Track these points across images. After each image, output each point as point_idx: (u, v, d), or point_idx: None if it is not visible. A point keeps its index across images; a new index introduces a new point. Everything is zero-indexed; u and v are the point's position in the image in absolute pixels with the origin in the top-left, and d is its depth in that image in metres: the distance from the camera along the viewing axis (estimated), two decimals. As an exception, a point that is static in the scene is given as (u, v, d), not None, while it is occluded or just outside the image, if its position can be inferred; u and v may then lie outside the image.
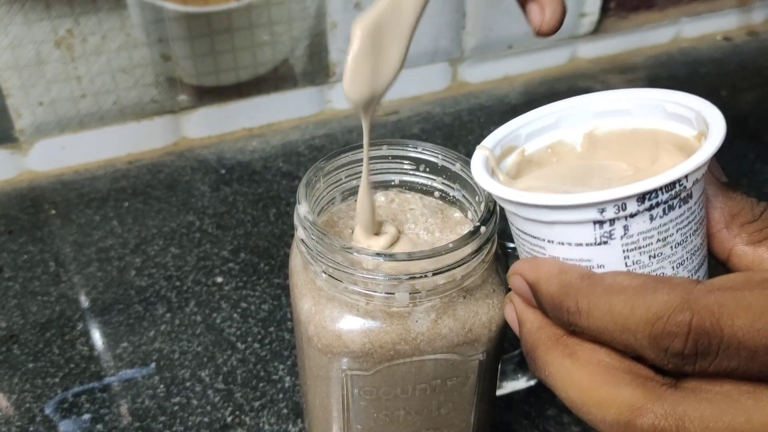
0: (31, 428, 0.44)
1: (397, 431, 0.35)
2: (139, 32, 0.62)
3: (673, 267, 0.26)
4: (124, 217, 0.60)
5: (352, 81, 0.31)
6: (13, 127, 0.62)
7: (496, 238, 0.33)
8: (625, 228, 0.25)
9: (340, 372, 0.33)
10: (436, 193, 0.37)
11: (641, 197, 0.24)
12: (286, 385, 0.47)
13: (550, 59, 0.80)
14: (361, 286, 0.31)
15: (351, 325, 0.32)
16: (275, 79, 0.69)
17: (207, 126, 0.69)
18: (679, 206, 0.25)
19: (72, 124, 0.64)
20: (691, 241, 0.26)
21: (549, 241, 0.26)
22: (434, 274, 0.30)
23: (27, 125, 0.63)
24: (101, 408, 0.45)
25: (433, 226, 0.36)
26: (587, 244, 0.25)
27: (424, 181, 0.37)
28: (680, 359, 0.23)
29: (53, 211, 0.61)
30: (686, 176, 0.24)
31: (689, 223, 0.26)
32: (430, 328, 0.32)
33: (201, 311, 0.52)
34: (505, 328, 0.34)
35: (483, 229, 0.31)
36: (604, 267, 0.26)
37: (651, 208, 0.24)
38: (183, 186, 0.64)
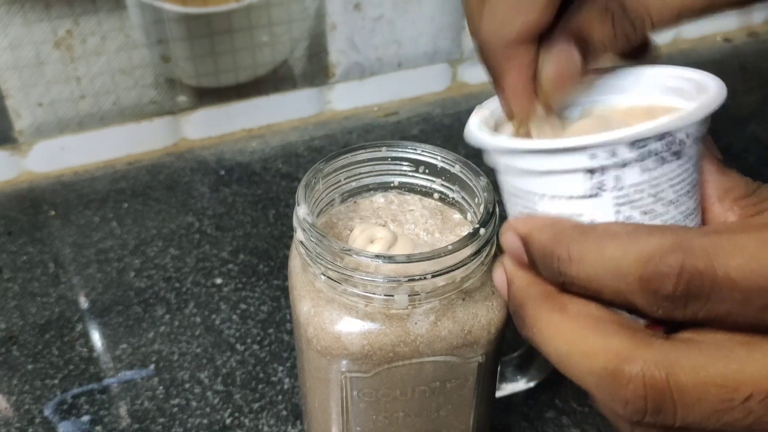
0: (30, 430, 0.44)
1: (397, 433, 0.35)
2: (139, 33, 0.62)
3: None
4: (124, 218, 0.60)
5: None
6: (12, 127, 0.62)
7: (495, 240, 0.33)
8: (617, 179, 0.25)
9: (339, 374, 0.33)
10: (436, 195, 0.37)
11: (632, 143, 0.24)
12: (286, 386, 0.47)
13: (549, 60, 0.79)
14: (361, 288, 0.31)
15: (350, 327, 0.32)
16: (275, 80, 0.69)
17: (206, 127, 0.69)
18: (672, 161, 0.25)
19: (71, 125, 0.64)
20: (684, 202, 0.26)
21: (541, 195, 0.26)
22: (434, 276, 0.30)
23: (26, 126, 0.62)
24: (100, 409, 0.45)
25: (432, 227, 0.36)
26: (579, 197, 0.25)
27: (424, 183, 0.37)
28: (670, 302, 0.22)
29: (52, 212, 0.61)
30: (678, 128, 0.24)
31: (682, 181, 0.25)
32: (430, 331, 0.32)
33: (200, 312, 0.52)
34: (504, 331, 0.34)
35: (482, 230, 0.31)
36: (595, 222, 0.25)
37: (642, 158, 0.24)
38: (182, 187, 0.64)
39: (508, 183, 0.28)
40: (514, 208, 0.28)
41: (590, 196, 0.25)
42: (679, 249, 0.22)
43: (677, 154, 0.25)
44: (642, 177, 0.25)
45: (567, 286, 0.25)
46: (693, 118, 0.24)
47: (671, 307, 0.22)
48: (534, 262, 0.26)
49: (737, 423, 0.22)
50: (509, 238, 0.26)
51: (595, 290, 0.24)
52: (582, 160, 0.24)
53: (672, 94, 0.28)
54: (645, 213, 0.25)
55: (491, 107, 0.30)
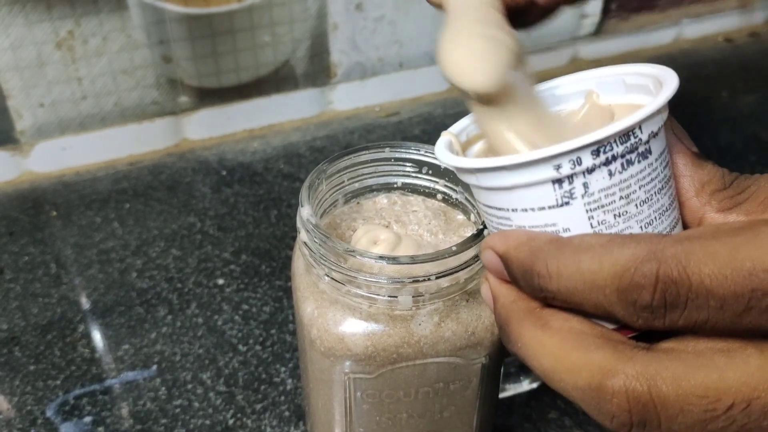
0: (32, 431, 0.44)
1: (400, 434, 0.35)
2: (140, 34, 0.62)
3: (641, 227, 0.26)
4: (125, 219, 0.60)
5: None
6: (14, 128, 0.62)
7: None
8: (585, 186, 0.25)
9: (342, 375, 0.33)
10: (439, 196, 0.37)
11: (595, 150, 0.24)
12: (288, 387, 0.47)
13: (550, 60, 0.80)
14: (364, 289, 0.31)
15: (354, 328, 0.32)
16: (276, 81, 0.69)
17: (208, 127, 0.69)
18: (638, 161, 0.25)
19: (73, 125, 0.64)
20: (657, 200, 0.26)
21: (513, 210, 0.26)
22: (437, 278, 0.30)
23: (28, 126, 0.62)
24: (102, 410, 0.45)
25: (436, 228, 0.36)
26: (550, 207, 0.25)
27: (427, 184, 0.37)
28: (649, 312, 0.22)
29: (54, 213, 0.61)
30: (639, 126, 0.24)
31: (652, 180, 0.25)
32: (433, 332, 0.32)
33: (202, 313, 0.52)
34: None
35: (486, 232, 0.31)
36: (570, 230, 0.25)
37: (608, 162, 0.24)
38: (184, 187, 0.64)
39: (481, 200, 0.28)
40: (489, 223, 0.28)
41: (561, 205, 0.25)
42: (653, 258, 0.22)
43: (643, 154, 0.25)
44: (610, 181, 0.25)
45: (549, 301, 0.25)
46: (650, 112, 0.24)
47: (651, 317, 0.22)
48: (515, 280, 0.26)
49: None
50: (488, 256, 0.27)
51: (576, 303, 0.24)
52: (547, 172, 0.24)
53: (633, 92, 0.28)
54: (618, 216, 0.25)
55: (461, 126, 0.30)
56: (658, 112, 0.25)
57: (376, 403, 0.34)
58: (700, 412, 0.22)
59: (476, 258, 0.31)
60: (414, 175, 0.37)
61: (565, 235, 0.25)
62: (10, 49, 0.58)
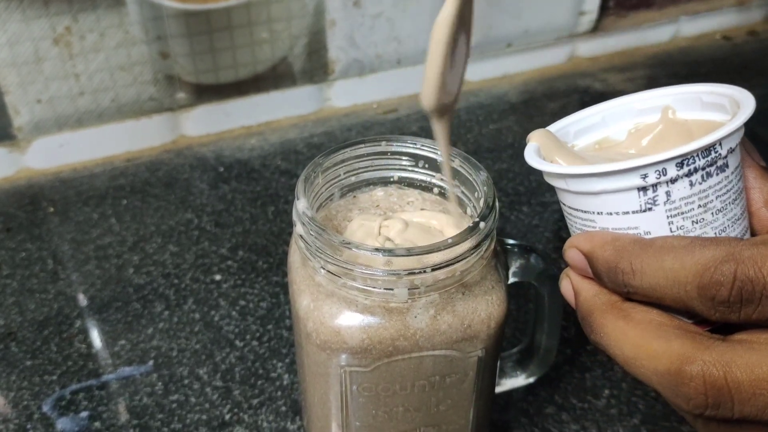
0: (28, 426, 0.44)
1: (396, 428, 0.35)
2: (138, 30, 0.62)
3: (716, 233, 0.28)
4: (123, 215, 0.60)
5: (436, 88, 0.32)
6: (11, 124, 0.62)
7: (495, 234, 0.33)
8: (668, 194, 0.27)
9: (338, 368, 0.33)
10: (435, 190, 0.37)
11: (680, 162, 0.26)
12: (285, 382, 0.47)
13: (549, 58, 0.79)
14: (360, 282, 0.31)
15: (350, 321, 0.32)
16: (274, 77, 0.69)
17: (205, 124, 0.68)
18: (717, 174, 0.27)
19: (70, 121, 0.64)
20: (731, 209, 0.28)
21: (598, 213, 0.28)
22: (433, 270, 0.30)
23: (25, 123, 0.62)
24: (99, 405, 0.45)
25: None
26: (633, 212, 0.28)
27: (423, 178, 0.37)
28: (726, 307, 0.25)
29: (51, 209, 0.61)
30: (719, 142, 0.27)
31: (728, 191, 0.28)
32: (429, 324, 0.32)
33: (199, 309, 0.51)
34: (503, 325, 0.34)
35: (482, 224, 0.31)
36: (650, 233, 0.28)
37: (690, 173, 0.26)
38: (181, 184, 0.64)
39: (567, 203, 0.30)
40: (574, 224, 0.30)
41: (644, 210, 0.27)
42: (732, 259, 0.24)
43: (721, 168, 0.27)
44: (691, 190, 0.27)
45: (631, 296, 0.27)
46: (731, 130, 0.27)
47: (727, 311, 0.25)
48: (599, 276, 0.28)
49: None
50: (573, 254, 0.29)
51: (657, 298, 0.26)
52: (634, 180, 0.27)
53: (709, 110, 0.30)
54: (696, 222, 0.27)
55: (558, 126, 0.32)
56: (737, 130, 0.27)
57: (372, 396, 0.34)
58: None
59: (472, 250, 0.31)
60: (410, 168, 0.37)
61: (647, 237, 0.28)
62: (7, 45, 0.58)
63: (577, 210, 0.30)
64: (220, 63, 0.66)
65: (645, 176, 0.26)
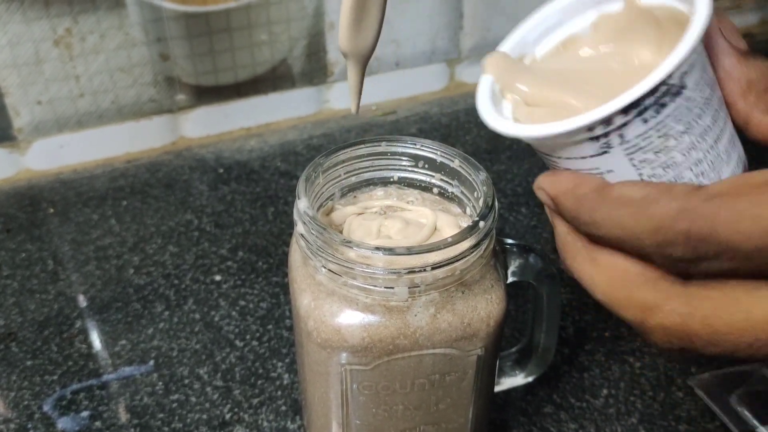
0: (29, 425, 0.44)
1: (396, 426, 0.36)
2: (138, 31, 0.62)
3: (684, 154, 0.27)
4: (123, 216, 0.60)
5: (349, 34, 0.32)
6: (11, 125, 0.62)
7: (494, 233, 0.33)
8: (621, 136, 0.26)
9: (339, 367, 0.33)
10: (435, 190, 0.38)
11: (625, 110, 0.25)
12: (285, 382, 0.47)
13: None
14: (361, 281, 0.31)
15: (350, 319, 0.32)
16: (273, 79, 0.69)
17: (205, 125, 0.69)
18: (672, 100, 0.26)
19: (70, 123, 0.64)
20: (696, 124, 0.26)
21: (558, 157, 0.28)
22: (433, 269, 0.31)
23: (25, 124, 0.63)
24: (100, 405, 0.45)
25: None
26: (591, 156, 0.27)
27: (423, 178, 0.38)
28: (683, 263, 0.25)
29: (51, 210, 0.61)
30: (670, 75, 0.25)
31: (689, 110, 0.26)
32: (429, 323, 0.32)
33: (199, 309, 0.52)
34: (503, 324, 0.34)
35: (482, 224, 0.32)
36: (613, 171, 0.27)
37: (639, 113, 0.25)
38: (181, 185, 0.64)
39: (531, 144, 0.29)
40: (543, 158, 0.30)
41: (601, 154, 0.27)
42: (685, 217, 0.24)
43: (676, 93, 0.25)
44: (645, 126, 0.26)
45: (596, 240, 0.28)
46: (683, 60, 0.24)
47: (685, 266, 0.25)
48: (566, 220, 0.29)
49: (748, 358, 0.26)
50: (542, 195, 0.29)
51: (619, 247, 0.27)
52: (581, 135, 0.26)
53: None
54: (658, 152, 0.26)
55: (514, 40, 0.31)
56: (687, 57, 0.25)
57: (373, 394, 0.34)
58: (728, 345, 0.25)
59: (472, 249, 0.31)
60: (410, 169, 0.37)
61: (610, 176, 0.27)
62: (8, 46, 0.59)
63: (540, 151, 0.29)
64: (219, 65, 0.66)
65: (591, 129, 0.26)
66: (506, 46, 0.31)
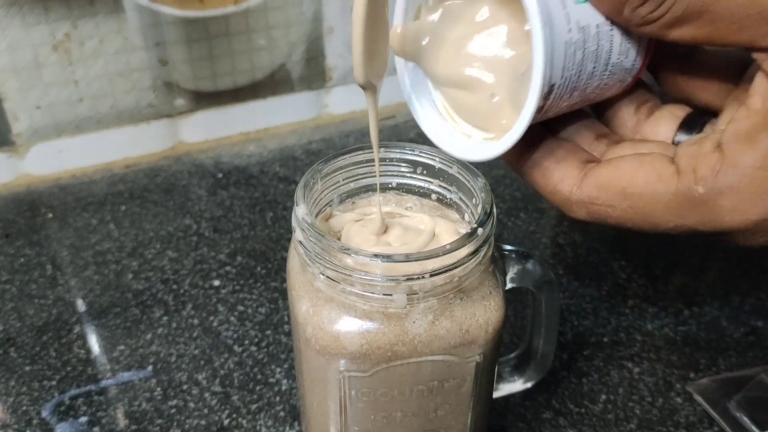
0: (28, 431, 0.44)
1: (395, 433, 0.36)
2: (137, 36, 0.62)
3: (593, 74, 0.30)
4: (121, 221, 0.60)
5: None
6: (10, 130, 0.62)
7: (492, 240, 0.33)
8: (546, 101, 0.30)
9: (337, 373, 0.33)
10: (433, 196, 0.38)
11: (538, 110, 0.29)
12: (283, 387, 0.47)
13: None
14: (359, 288, 0.31)
15: (349, 326, 0.32)
16: (272, 84, 0.69)
17: (204, 130, 0.69)
18: (558, 85, 0.29)
19: (69, 127, 0.64)
20: (589, 62, 0.30)
21: None
22: (432, 276, 0.31)
23: (24, 129, 0.63)
24: (98, 411, 0.45)
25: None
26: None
27: (422, 184, 0.38)
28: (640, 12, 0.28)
29: (50, 215, 0.61)
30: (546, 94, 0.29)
31: (581, 64, 0.30)
32: (428, 330, 0.32)
33: (198, 314, 0.52)
34: (501, 330, 0.34)
35: (480, 230, 0.32)
36: None
37: (546, 97, 0.29)
38: (180, 190, 0.64)
39: None
40: None
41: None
42: None
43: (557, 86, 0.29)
44: (555, 93, 0.29)
45: None
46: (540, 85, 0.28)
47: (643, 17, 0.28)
48: None
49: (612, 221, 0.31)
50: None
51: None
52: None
53: None
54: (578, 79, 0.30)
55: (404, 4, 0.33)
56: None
57: (371, 401, 0.34)
58: (621, 208, 0.30)
59: (470, 256, 0.31)
60: (409, 175, 0.38)
61: None
62: (7, 51, 0.59)
63: None
64: (218, 70, 0.66)
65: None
66: (400, 17, 0.33)
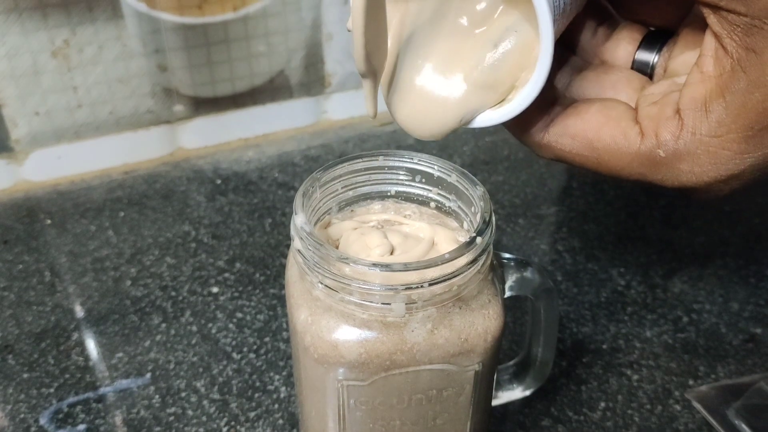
0: (25, 439, 0.44)
1: (393, 441, 0.36)
2: (136, 43, 0.62)
3: None
4: (120, 227, 0.60)
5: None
6: (9, 136, 0.62)
7: (491, 249, 0.33)
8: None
9: (336, 382, 0.33)
10: (432, 204, 0.38)
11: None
12: (282, 395, 0.47)
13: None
14: (358, 297, 0.31)
15: (347, 335, 0.32)
16: (271, 90, 0.69)
17: (203, 136, 0.69)
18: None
19: (68, 134, 0.64)
20: None
21: None
22: (431, 285, 0.31)
23: (23, 135, 0.63)
24: (96, 418, 0.45)
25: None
26: None
27: (420, 192, 0.38)
28: None
29: (49, 221, 0.61)
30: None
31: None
32: (426, 339, 0.32)
33: (196, 321, 0.52)
34: (500, 339, 0.34)
35: (479, 239, 0.32)
36: None
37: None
38: (179, 196, 0.64)
39: None
40: None
41: None
42: None
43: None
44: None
45: None
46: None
47: None
48: None
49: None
50: None
51: None
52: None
53: None
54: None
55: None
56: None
57: (370, 410, 0.34)
58: (588, 158, 0.32)
59: (469, 265, 0.31)
60: (407, 183, 0.38)
61: None
62: (6, 57, 0.59)
63: None
64: (217, 76, 0.66)
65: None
66: None
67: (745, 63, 0.28)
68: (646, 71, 0.34)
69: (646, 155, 0.30)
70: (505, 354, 0.48)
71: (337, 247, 0.35)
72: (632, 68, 0.34)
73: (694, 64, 0.30)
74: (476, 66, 0.31)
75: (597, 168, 0.32)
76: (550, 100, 0.33)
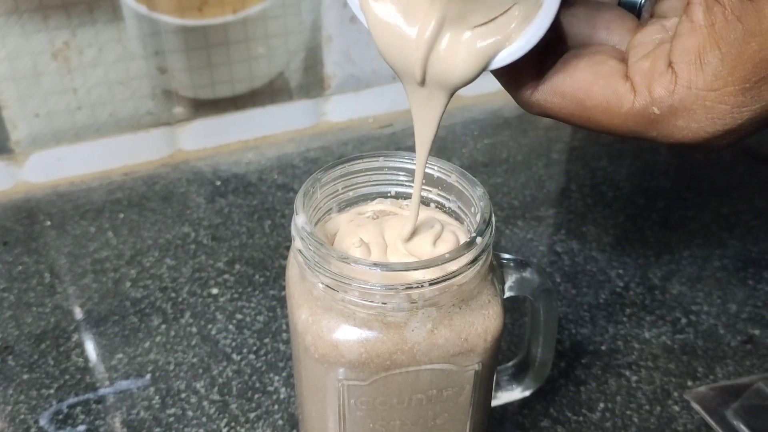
0: (25, 439, 0.44)
1: (393, 441, 0.36)
2: (136, 45, 0.62)
3: None
4: (120, 229, 0.60)
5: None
6: (8, 138, 0.62)
7: (491, 249, 0.33)
8: None
9: (336, 382, 0.33)
10: (432, 204, 0.38)
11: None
12: (282, 396, 0.47)
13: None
14: (358, 296, 0.31)
15: (348, 335, 0.32)
16: (271, 92, 0.69)
17: (203, 138, 0.69)
18: None
19: (68, 135, 0.64)
20: None
21: None
22: (431, 284, 0.31)
23: (23, 137, 0.63)
24: (96, 419, 0.45)
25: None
26: None
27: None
28: None
29: (48, 223, 0.61)
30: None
31: None
32: (427, 338, 0.32)
33: (196, 322, 0.52)
34: (500, 339, 0.34)
35: (479, 240, 0.32)
36: None
37: None
38: (178, 198, 0.64)
39: None
40: None
41: None
42: None
43: None
44: None
45: None
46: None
47: None
48: None
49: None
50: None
51: None
52: None
53: None
54: None
55: None
56: None
57: (370, 410, 0.34)
58: (579, 116, 0.31)
59: (469, 265, 0.31)
60: (407, 183, 0.38)
61: None
62: (6, 59, 0.59)
63: None
64: (217, 78, 0.66)
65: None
66: None
67: (740, 11, 0.27)
68: (633, 11, 0.33)
69: (640, 113, 0.29)
70: (505, 355, 0.48)
71: (333, 242, 0.36)
72: (619, 4, 0.33)
73: (683, 13, 0.29)
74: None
75: (588, 126, 0.31)
76: (541, 48, 0.32)
